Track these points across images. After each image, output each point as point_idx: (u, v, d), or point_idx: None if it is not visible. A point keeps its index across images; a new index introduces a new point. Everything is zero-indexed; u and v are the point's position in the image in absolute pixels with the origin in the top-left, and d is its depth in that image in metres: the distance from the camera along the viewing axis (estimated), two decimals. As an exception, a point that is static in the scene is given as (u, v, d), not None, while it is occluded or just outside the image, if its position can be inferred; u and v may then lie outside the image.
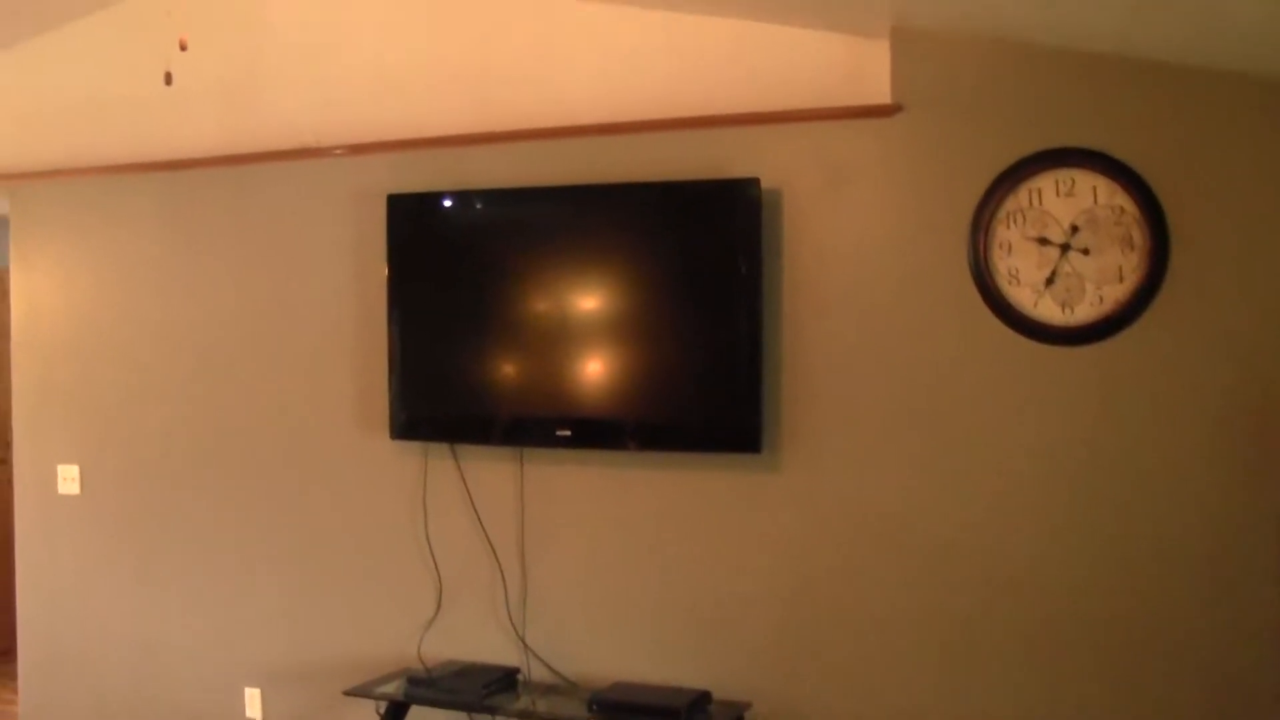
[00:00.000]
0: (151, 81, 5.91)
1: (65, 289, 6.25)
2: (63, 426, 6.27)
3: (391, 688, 5.14)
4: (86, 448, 6.20)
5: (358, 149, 5.53)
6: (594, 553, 5.23)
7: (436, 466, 5.41)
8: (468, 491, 5.37)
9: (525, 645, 5.31)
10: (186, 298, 5.96)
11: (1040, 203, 4.56)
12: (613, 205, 5.10)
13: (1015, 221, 4.59)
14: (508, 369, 5.24)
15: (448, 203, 5.33)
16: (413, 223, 5.34)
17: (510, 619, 5.34)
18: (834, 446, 4.84)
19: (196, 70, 5.82)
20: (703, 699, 4.83)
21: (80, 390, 6.21)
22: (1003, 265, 4.61)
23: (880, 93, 4.77)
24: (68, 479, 6.25)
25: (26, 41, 6.43)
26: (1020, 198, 4.58)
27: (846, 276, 4.82)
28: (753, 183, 4.80)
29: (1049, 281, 4.56)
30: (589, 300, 5.11)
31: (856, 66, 4.84)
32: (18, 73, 6.47)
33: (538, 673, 5.29)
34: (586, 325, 5.09)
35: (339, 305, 5.61)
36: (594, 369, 5.08)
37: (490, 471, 5.34)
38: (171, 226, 6.00)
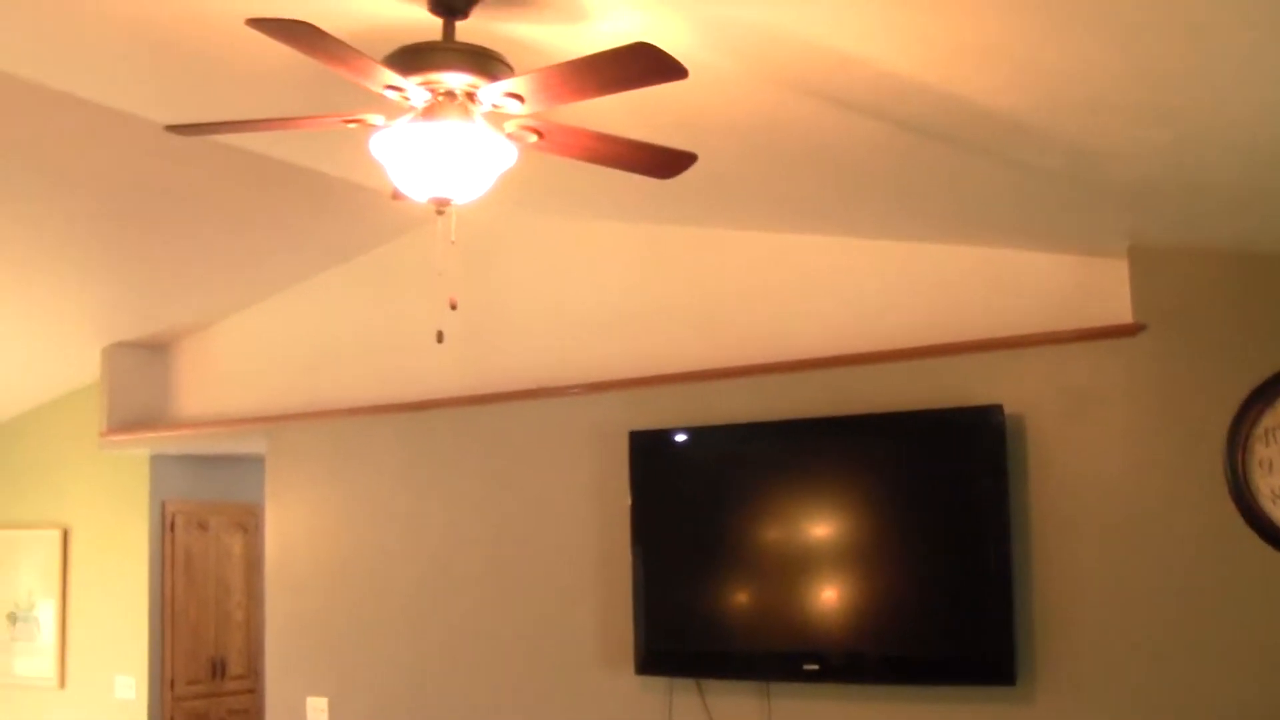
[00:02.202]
0: (395, 327, 6.26)
1: (315, 525, 6.46)
2: (312, 658, 6.41)
3: None
4: (335, 680, 6.32)
5: (596, 386, 5.65)
6: (846, 792, 5.08)
7: (682, 702, 5.34)
8: (714, 727, 5.29)
9: None
10: (430, 533, 6.10)
11: (1300, 417, 4.40)
12: (851, 437, 5.09)
13: (1275, 438, 4.42)
14: (753, 602, 5.20)
15: (689, 438, 5.39)
16: (654, 458, 5.40)
17: None
18: (1094, 677, 4.65)
19: (440, 314, 6.07)
20: None
21: (329, 623, 6.35)
22: (1264, 484, 4.42)
23: (1121, 312, 4.69)
24: (317, 710, 6.35)
25: (283, 291, 6.81)
26: (1279, 413, 4.41)
27: (1099, 500, 4.68)
28: (996, 410, 4.74)
29: (1316, 499, 4.37)
30: (831, 532, 5.07)
31: (1094, 287, 4.79)
32: (276, 320, 6.86)
33: None
34: (829, 558, 5.04)
35: (580, 540, 5.67)
36: (838, 602, 5.01)
37: (736, 706, 5.24)
38: (415, 464, 6.18)
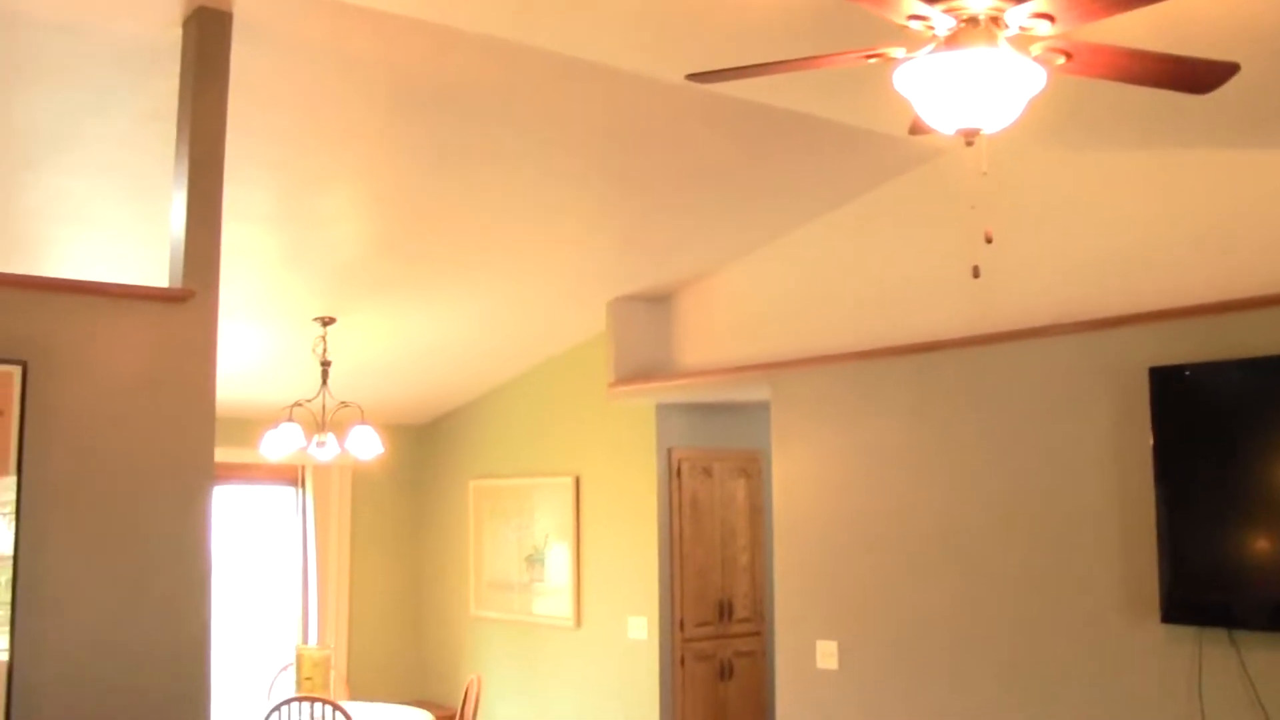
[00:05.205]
0: (895, 268, 6.23)
1: (821, 470, 6.49)
2: (821, 603, 6.46)
3: None
4: (844, 624, 6.35)
5: (1111, 321, 5.38)
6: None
7: (1213, 654, 5.01)
8: (1252, 685, 4.94)
9: None
10: (935, 478, 6.01)
11: None
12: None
13: None
14: (1293, 548, 4.84)
15: (1214, 373, 5.04)
16: (1177, 395, 5.10)
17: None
18: None
19: (946, 253, 5.98)
20: None
21: (837, 568, 6.38)
22: None
23: None
24: (826, 654, 6.41)
25: (781, 238, 6.89)
26: None
27: None
28: None
29: None
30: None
31: None
32: (775, 267, 6.97)
33: None
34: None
35: (1096, 483, 5.43)
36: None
37: (1276, 661, 4.89)
38: (919, 407, 6.10)
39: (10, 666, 3.76)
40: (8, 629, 3.77)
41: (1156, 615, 5.12)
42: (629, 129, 5.48)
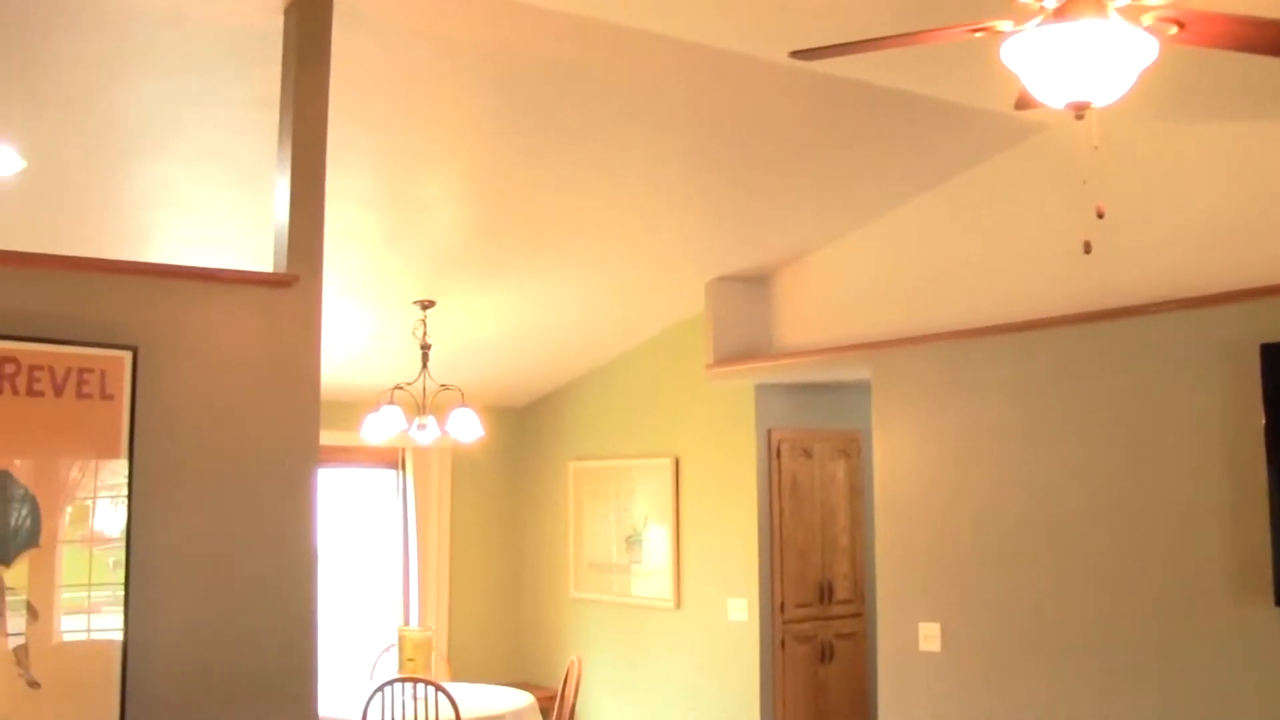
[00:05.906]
0: (996, 246, 6.15)
1: (923, 451, 6.44)
2: (923, 584, 6.40)
3: None
4: (947, 606, 6.28)
5: (1220, 297, 5.27)
6: None
7: (1332, 636, 4.94)
8: (1369, 666, 4.84)
9: None
10: (1039, 458, 5.93)
11: None
12: None
13: None
14: None
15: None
16: (1293, 373, 4.99)
17: None
18: None
19: (1048, 229, 5.89)
20: None
21: (940, 549, 6.32)
22: None
23: None
24: (929, 636, 6.35)
25: (880, 218, 6.83)
26: None
27: None
28: None
29: None
30: None
31: None
32: (875, 246, 6.92)
33: None
34: None
35: (1204, 464, 5.32)
36: None
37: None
38: (1023, 386, 6.02)
39: (125, 646, 3.83)
40: (121, 609, 3.84)
41: (1270, 598, 5.02)
42: (728, 109, 5.46)
